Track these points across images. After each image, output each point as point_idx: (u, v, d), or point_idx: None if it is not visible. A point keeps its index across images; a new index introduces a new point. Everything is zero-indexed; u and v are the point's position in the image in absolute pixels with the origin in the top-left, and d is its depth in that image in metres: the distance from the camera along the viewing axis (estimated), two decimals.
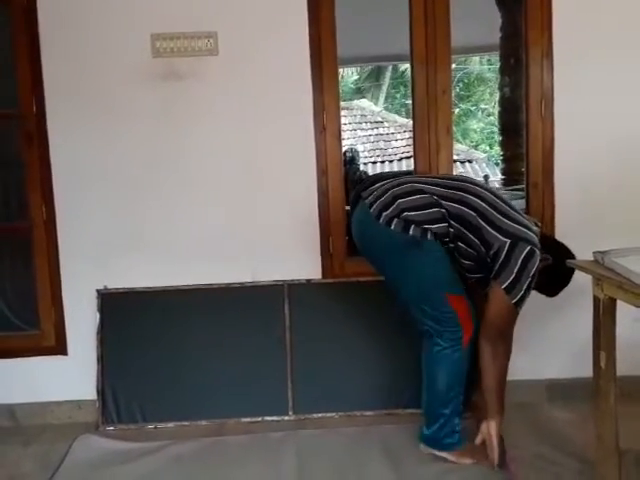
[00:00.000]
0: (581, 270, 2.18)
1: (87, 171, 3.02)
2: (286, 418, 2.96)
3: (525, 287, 2.27)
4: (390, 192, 2.37)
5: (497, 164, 9.56)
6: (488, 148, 12.86)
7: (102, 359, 2.99)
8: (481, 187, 2.44)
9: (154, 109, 3.00)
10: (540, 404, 3.02)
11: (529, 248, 2.26)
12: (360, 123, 12.15)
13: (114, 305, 3.02)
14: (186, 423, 2.94)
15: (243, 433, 2.82)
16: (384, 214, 2.33)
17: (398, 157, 11.28)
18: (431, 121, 3.07)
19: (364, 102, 12.92)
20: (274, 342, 3.00)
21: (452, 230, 2.33)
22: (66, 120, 2.98)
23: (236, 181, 3.05)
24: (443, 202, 2.33)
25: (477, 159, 11.28)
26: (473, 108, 13.86)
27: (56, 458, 2.66)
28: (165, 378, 2.95)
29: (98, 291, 3.03)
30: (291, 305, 3.04)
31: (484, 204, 2.33)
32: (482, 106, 13.86)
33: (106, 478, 2.42)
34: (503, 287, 2.27)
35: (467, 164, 10.83)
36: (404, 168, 10.91)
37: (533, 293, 2.37)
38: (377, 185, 2.45)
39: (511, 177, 6.16)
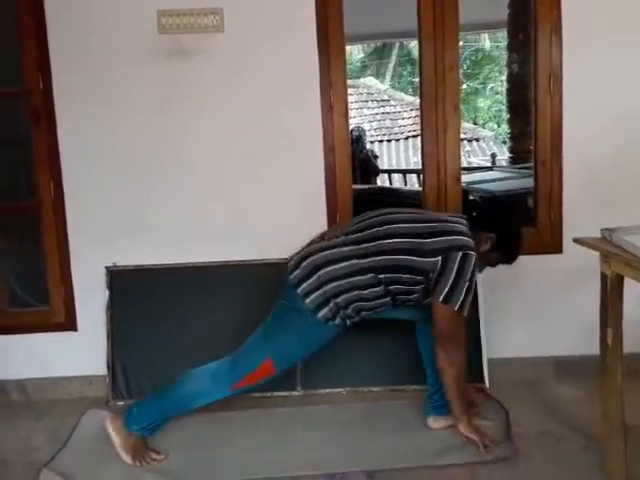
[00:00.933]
0: (589, 247, 2.18)
1: (95, 149, 3.02)
2: (294, 393, 3.00)
3: (464, 292, 2.30)
4: (311, 260, 2.37)
5: (504, 142, 9.50)
6: (495, 126, 12.78)
7: (112, 335, 3.02)
8: (393, 218, 2.42)
9: (160, 86, 2.99)
10: (547, 381, 3.04)
11: (461, 254, 2.29)
12: (366, 101, 12.07)
13: (123, 282, 3.05)
14: None
15: (252, 408, 2.86)
16: (303, 285, 2.34)
17: (405, 136, 11.24)
18: (439, 99, 3.05)
19: (370, 80, 12.83)
20: None
21: (386, 285, 2.34)
22: (73, 98, 2.98)
23: (243, 159, 3.05)
24: (364, 260, 2.32)
25: (484, 137, 11.21)
26: (480, 86, 13.75)
27: (66, 432, 2.71)
28: (174, 354, 2.97)
29: (107, 268, 3.05)
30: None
31: (401, 239, 2.33)
32: (489, 84, 13.74)
33: (111, 451, 2.45)
34: (440, 301, 2.31)
35: (474, 142, 10.77)
36: (410, 147, 10.88)
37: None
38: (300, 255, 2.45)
39: (519, 155, 6.13)
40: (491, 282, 3.03)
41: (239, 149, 3.05)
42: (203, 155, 3.05)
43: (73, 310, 3.10)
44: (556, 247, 3.12)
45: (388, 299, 2.38)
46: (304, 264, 2.37)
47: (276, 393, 2.99)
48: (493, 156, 8.54)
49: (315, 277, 2.33)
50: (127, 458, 2.43)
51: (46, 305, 3.13)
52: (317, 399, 2.97)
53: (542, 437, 2.52)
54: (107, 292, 3.04)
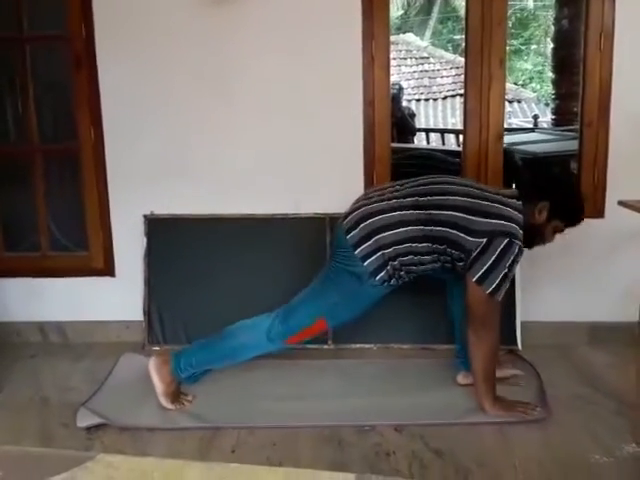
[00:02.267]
0: (634, 210, 2.13)
1: (135, 94, 3.02)
2: (325, 347, 3.03)
3: (501, 277, 2.26)
4: (370, 222, 2.33)
5: (547, 104, 9.27)
6: (538, 87, 12.44)
7: (149, 282, 3.07)
8: (457, 188, 2.37)
9: (203, 33, 2.96)
10: (581, 346, 3.01)
11: (507, 240, 2.25)
12: (405, 59, 11.85)
13: (160, 230, 3.08)
14: None
15: (283, 359, 2.90)
16: (362, 247, 2.31)
17: (443, 95, 11.04)
18: (484, 53, 2.96)
19: (410, 36, 12.56)
20: (315, 273, 3.03)
21: (438, 255, 2.34)
22: (114, 43, 2.97)
23: (281, 112, 3.02)
24: (421, 227, 2.30)
25: (526, 99, 10.93)
26: (523, 47, 13.37)
27: (103, 374, 2.79)
28: (209, 302, 3.01)
29: (145, 216, 3.08)
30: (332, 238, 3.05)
31: (454, 212, 2.30)
32: (532, 44, 13.36)
33: (146, 392, 2.52)
34: (474, 280, 2.27)
35: (515, 104, 10.52)
36: (449, 107, 10.69)
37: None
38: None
39: (563, 117, 5.99)
40: None
41: (277, 101, 3.02)
42: (242, 107, 3.03)
43: (111, 256, 3.15)
44: (598, 211, 3.05)
45: (438, 265, 2.37)
46: (363, 225, 2.33)
47: (307, 346, 3.02)
48: (535, 117, 8.34)
49: (374, 240, 2.31)
50: (167, 403, 2.48)
51: (85, 250, 3.18)
52: (347, 353, 3.00)
53: (574, 401, 2.51)
54: (145, 239, 3.07)
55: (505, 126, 3.27)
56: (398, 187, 2.43)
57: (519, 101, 10.71)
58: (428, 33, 13.48)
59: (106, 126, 3.04)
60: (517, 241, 2.27)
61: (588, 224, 3.02)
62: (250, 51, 2.98)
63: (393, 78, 10.57)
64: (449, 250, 2.32)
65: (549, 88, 8.23)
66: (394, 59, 11.29)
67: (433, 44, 13.00)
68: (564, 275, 3.08)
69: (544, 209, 2.37)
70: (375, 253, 2.31)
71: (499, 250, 2.25)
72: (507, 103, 10.12)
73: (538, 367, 2.76)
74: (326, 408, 2.49)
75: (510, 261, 2.26)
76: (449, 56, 11.75)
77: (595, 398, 2.53)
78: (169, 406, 2.48)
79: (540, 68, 12.76)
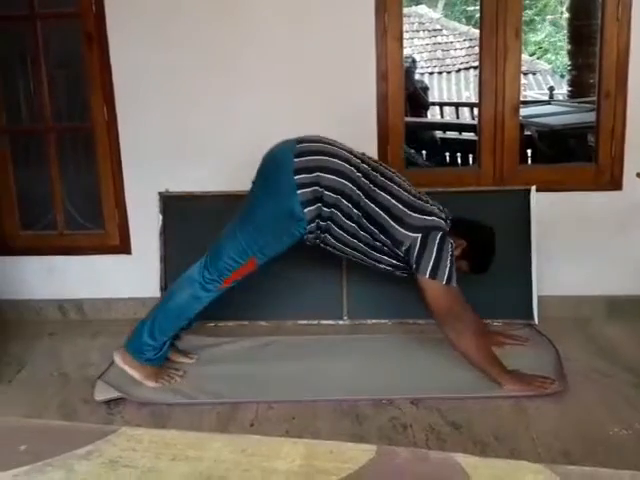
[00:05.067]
0: None
1: (147, 72, 3.01)
2: (340, 322, 3.04)
3: (449, 265, 2.30)
4: (323, 158, 2.33)
5: (562, 76, 9.12)
6: (553, 58, 12.23)
7: (164, 259, 3.09)
8: (389, 176, 2.41)
9: (215, 7, 2.93)
10: (598, 320, 3.00)
11: (440, 234, 2.34)
12: (417, 31, 11.65)
13: (176, 208, 3.08)
14: (245, 322, 3.05)
15: (298, 334, 2.92)
16: (302, 175, 2.29)
17: (456, 68, 10.87)
18: (499, 23, 2.91)
19: (422, 8, 12.33)
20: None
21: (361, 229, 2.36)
22: (125, 20, 2.95)
23: (293, 84, 3.00)
24: (358, 192, 2.32)
25: (541, 70, 10.75)
26: (538, 17, 13.11)
27: None
28: None
29: (160, 194, 3.08)
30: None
31: (392, 200, 2.33)
32: (547, 14, 13.09)
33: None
34: (427, 276, 2.31)
35: (530, 75, 10.36)
36: (462, 80, 10.54)
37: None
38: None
39: (579, 88, 5.90)
40: (545, 218, 2.97)
41: (289, 74, 2.99)
42: (255, 82, 3.00)
43: (127, 234, 3.17)
44: (615, 184, 3.02)
45: (356, 242, 2.40)
46: (314, 158, 2.32)
47: (323, 321, 3.03)
48: (551, 89, 8.19)
49: (315, 175, 2.29)
50: (152, 384, 2.48)
51: (101, 229, 3.20)
52: (363, 329, 3.01)
53: (591, 374, 2.51)
54: (160, 217, 3.08)
55: (520, 99, 3.23)
56: (360, 154, 2.45)
57: (534, 73, 10.53)
58: (441, 5, 13.24)
59: (119, 103, 3.03)
60: (447, 235, 2.36)
61: (606, 196, 3.01)
62: (262, 25, 2.95)
63: (405, 51, 10.41)
64: (377, 234, 2.35)
65: (565, 59, 8.08)
66: (406, 32, 11.09)
67: (446, 16, 12.78)
68: (581, 248, 3.06)
69: (460, 247, 2.45)
70: (311, 186, 2.29)
71: (436, 245, 2.32)
72: (522, 75, 9.98)
73: (555, 341, 2.75)
74: (343, 383, 2.50)
75: (450, 250, 2.34)
76: (463, 28, 11.54)
77: (612, 371, 2.52)
78: (157, 385, 2.48)
79: (555, 39, 12.52)
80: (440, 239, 2.32)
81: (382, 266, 2.49)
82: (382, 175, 2.39)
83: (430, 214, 2.37)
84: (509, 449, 2.05)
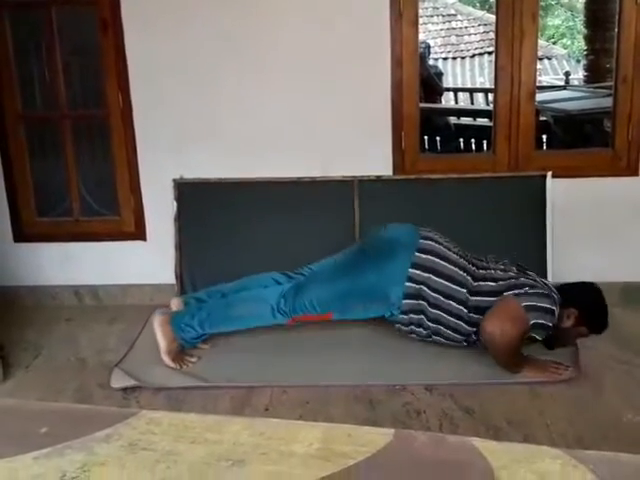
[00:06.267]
0: None
1: (162, 60, 3.00)
2: None
3: (541, 313, 2.29)
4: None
5: (578, 60, 9.01)
6: (569, 43, 12.08)
7: (180, 246, 3.10)
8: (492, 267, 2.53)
9: None
10: (613, 306, 2.96)
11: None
12: (431, 16, 11.55)
13: (190, 194, 3.09)
14: None
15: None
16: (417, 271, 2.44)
17: (471, 53, 10.77)
18: (516, 7, 2.88)
19: None
20: (343, 237, 3.03)
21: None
22: (140, 7, 2.94)
23: (308, 73, 2.99)
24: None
25: (557, 55, 10.63)
26: (554, 2, 12.94)
27: (137, 335, 2.83)
28: (239, 264, 3.00)
29: (174, 180, 3.09)
30: (361, 201, 3.03)
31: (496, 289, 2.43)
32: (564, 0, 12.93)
33: None
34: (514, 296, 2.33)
35: (545, 61, 10.24)
36: (477, 65, 10.44)
37: None
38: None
39: (595, 73, 5.83)
40: (560, 204, 2.95)
41: (304, 62, 2.98)
42: (268, 69, 3.00)
43: (142, 220, 3.19)
44: (632, 169, 2.99)
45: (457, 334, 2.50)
46: (432, 259, 2.43)
47: None
48: (567, 74, 8.09)
49: (426, 276, 2.42)
50: (169, 361, 2.52)
51: (116, 215, 3.22)
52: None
53: (606, 360, 2.51)
54: (175, 204, 3.09)
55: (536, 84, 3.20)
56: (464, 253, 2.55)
57: (549, 58, 10.42)
58: None
59: (133, 90, 3.03)
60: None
61: (622, 182, 2.99)
62: (276, 13, 2.93)
63: (420, 37, 10.32)
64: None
65: (580, 44, 7.98)
66: (420, 17, 10.97)
67: (460, 0, 12.65)
68: (596, 235, 3.04)
69: (572, 315, 2.42)
70: (420, 284, 2.41)
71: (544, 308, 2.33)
72: (537, 60, 9.86)
73: None
74: (357, 368, 2.51)
75: (549, 320, 2.32)
76: (477, 13, 11.42)
77: (627, 358, 2.52)
78: (171, 364, 2.52)
79: (571, 24, 12.36)
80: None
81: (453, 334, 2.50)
82: (481, 268, 2.49)
83: (545, 297, 2.35)
84: (523, 434, 2.06)
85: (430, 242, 2.47)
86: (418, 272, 2.41)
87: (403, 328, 2.52)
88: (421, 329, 2.50)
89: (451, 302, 2.42)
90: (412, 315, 2.46)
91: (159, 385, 2.43)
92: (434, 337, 2.51)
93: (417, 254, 2.43)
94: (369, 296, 2.47)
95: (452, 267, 2.43)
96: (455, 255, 2.47)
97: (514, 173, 3.03)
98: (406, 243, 2.47)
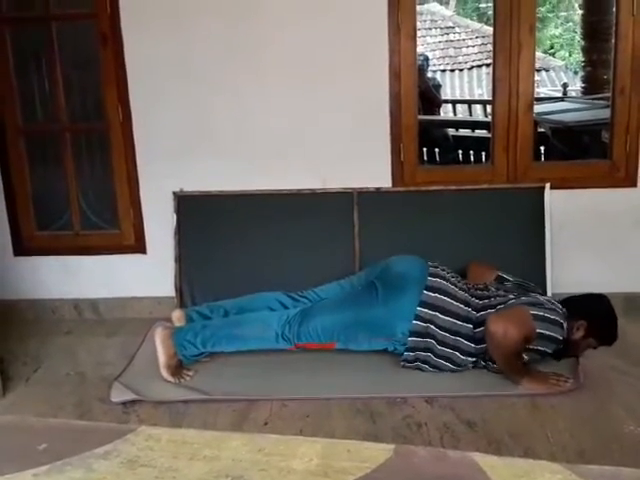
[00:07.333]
0: None
1: (162, 72, 3.01)
2: None
3: (545, 323, 2.31)
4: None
5: (576, 72, 9.05)
6: (567, 55, 12.15)
7: (179, 259, 3.09)
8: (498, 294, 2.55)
9: (229, 5, 2.94)
10: None
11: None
12: (430, 29, 11.62)
13: (190, 207, 3.09)
14: None
15: None
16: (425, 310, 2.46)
17: (469, 65, 10.83)
18: (513, 19, 2.90)
19: (435, 6, 12.30)
20: (342, 249, 3.03)
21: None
22: (140, 20, 2.96)
23: (308, 82, 2.99)
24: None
25: (554, 67, 10.68)
26: (551, 14, 13.02)
27: (136, 349, 2.82)
28: (239, 277, 3.03)
29: (174, 193, 3.09)
30: (360, 213, 3.04)
31: None
32: (560, 11, 13.00)
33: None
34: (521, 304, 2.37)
35: (543, 72, 10.29)
36: (475, 77, 10.50)
37: None
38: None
39: (593, 85, 5.86)
40: (560, 216, 2.95)
41: (302, 74, 2.99)
42: (268, 81, 3.00)
43: (142, 233, 3.19)
44: (630, 180, 3.00)
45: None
46: (440, 297, 2.45)
47: None
48: (565, 86, 8.12)
49: (433, 314, 2.44)
50: (167, 376, 2.51)
51: (116, 228, 3.22)
52: None
53: (607, 372, 2.50)
54: (175, 216, 3.09)
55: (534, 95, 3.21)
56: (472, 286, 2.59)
57: (547, 70, 10.47)
58: (453, 2, 13.18)
59: (133, 103, 3.04)
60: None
61: (621, 193, 2.99)
62: (276, 23, 2.95)
63: (418, 49, 10.37)
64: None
65: (578, 56, 8.02)
66: (419, 30, 11.01)
67: (458, 13, 12.73)
68: (596, 246, 3.04)
69: (582, 327, 2.42)
70: (427, 322, 2.43)
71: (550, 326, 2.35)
72: (535, 72, 9.89)
73: None
74: (357, 381, 2.50)
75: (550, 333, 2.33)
76: (475, 25, 11.49)
77: (628, 369, 2.51)
78: (170, 379, 2.51)
79: (569, 35, 12.43)
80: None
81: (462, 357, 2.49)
82: (482, 298, 2.51)
83: (552, 311, 2.36)
84: (524, 447, 2.05)
85: (438, 279, 2.48)
86: (426, 310, 2.43)
87: (408, 365, 2.52)
88: (427, 365, 2.50)
89: (458, 338, 2.43)
90: (419, 352, 2.47)
91: (159, 399, 2.42)
92: (440, 369, 2.50)
93: (426, 292, 2.44)
94: (375, 330, 2.48)
95: (457, 304, 2.45)
96: (460, 291, 2.49)
97: (512, 184, 3.04)
98: (416, 280, 2.48)
